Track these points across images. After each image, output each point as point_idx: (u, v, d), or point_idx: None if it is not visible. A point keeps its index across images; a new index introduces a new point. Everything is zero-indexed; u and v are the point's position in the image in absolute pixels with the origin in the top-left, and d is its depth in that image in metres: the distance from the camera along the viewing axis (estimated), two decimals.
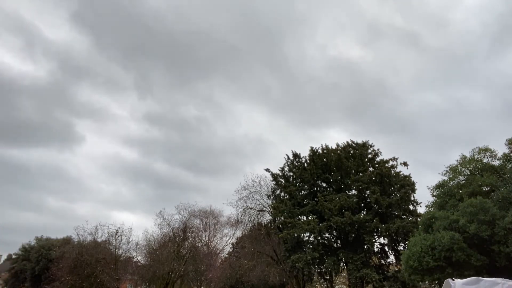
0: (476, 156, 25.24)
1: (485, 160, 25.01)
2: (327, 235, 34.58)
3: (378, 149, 36.73)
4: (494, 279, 6.42)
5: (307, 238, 34.48)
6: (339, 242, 34.36)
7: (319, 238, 34.08)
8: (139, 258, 36.95)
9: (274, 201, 36.68)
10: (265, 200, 37.70)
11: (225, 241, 41.06)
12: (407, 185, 33.53)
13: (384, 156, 36.49)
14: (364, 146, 36.64)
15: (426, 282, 25.79)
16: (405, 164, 35.23)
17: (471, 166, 24.97)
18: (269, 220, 37.49)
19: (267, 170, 37.62)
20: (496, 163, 24.68)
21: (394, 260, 33.95)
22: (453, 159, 27.66)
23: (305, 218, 34.51)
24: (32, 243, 57.95)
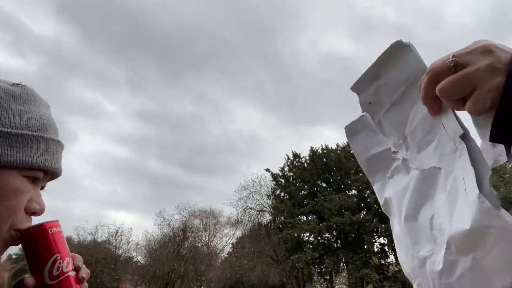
0: None
1: None
2: (327, 235, 34.62)
3: None
4: None
5: (307, 238, 34.55)
6: (339, 242, 34.39)
7: (319, 238, 34.12)
8: (139, 258, 36.96)
9: (274, 201, 36.73)
10: (265, 200, 37.75)
11: (225, 241, 41.02)
12: None
13: None
14: None
15: None
16: None
17: None
18: (269, 220, 37.53)
19: (267, 170, 37.69)
20: None
21: (394, 260, 33.97)
22: None
23: (305, 218, 34.55)
24: None
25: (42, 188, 0.84)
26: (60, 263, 0.78)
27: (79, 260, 0.84)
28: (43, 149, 0.78)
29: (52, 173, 0.83)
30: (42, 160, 0.78)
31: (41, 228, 0.79)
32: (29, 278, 0.77)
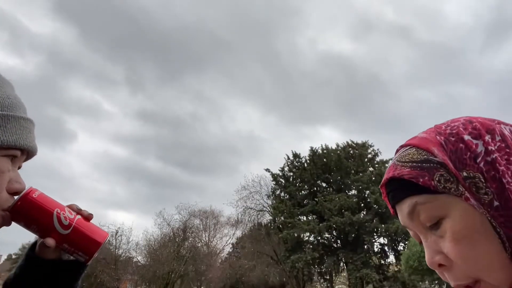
0: None
1: None
2: (327, 235, 34.62)
3: (378, 149, 36.84)
4: None
5: (307, 238, 34.57)
6: (339, 242, 34.39)
7: (319, 238, 34.13)
8: (139, 258, 36.95)
9: (274, 201, 36.73)
10: (265, 200, 37.75)
11: (225, 241, 41.01)
12: None
13: (381, 154, 36.68)
14: (364, 146, 36.71)
15: (426, 282, 25.83)
16: None
17: None
18: (269, 220, 37.54)
19: (267, 170, 37.67)
20: None
21: (394, 260, 33.99)
22: None
23: (305, 218, 34.57)
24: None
25: (19, 168, 0.83)
26: (63, 214, 0.81)
27: (75, 206, 0.86)
28: (16, 128, 0.77)
29: (28, 152, 0.82)
30: (17, 139, 0.77)
31: (26, 197, 0.79)
32: (47, 239, 0.78)
